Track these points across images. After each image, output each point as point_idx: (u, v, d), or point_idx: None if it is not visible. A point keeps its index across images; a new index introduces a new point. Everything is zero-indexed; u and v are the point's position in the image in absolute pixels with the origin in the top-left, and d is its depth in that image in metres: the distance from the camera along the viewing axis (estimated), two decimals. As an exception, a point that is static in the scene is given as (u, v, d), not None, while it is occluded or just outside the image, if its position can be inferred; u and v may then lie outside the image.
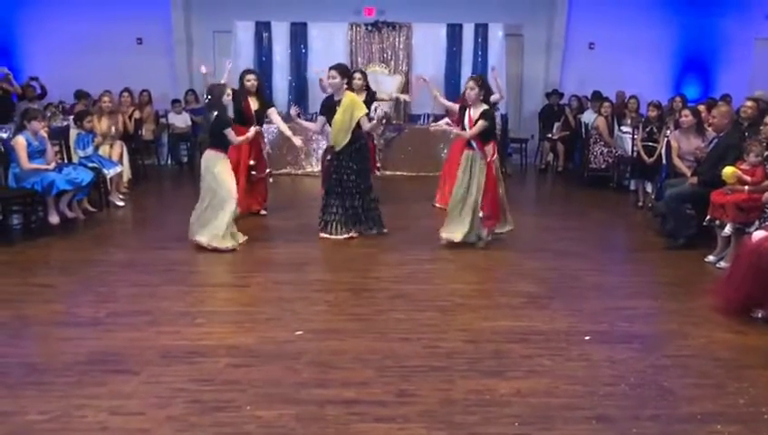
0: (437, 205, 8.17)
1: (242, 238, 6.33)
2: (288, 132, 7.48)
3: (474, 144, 6.21)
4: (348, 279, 5.39)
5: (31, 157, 6.65)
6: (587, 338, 4.24)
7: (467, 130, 6.23)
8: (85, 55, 11.89)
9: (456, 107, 7.64)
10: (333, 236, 6.59)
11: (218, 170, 6.14)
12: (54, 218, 6.78)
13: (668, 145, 7.37)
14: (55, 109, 10.03)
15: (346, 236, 6.59)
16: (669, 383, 3.63)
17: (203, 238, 6.09)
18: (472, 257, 6.04)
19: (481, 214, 6.16)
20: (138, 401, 3.36)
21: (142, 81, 11.70)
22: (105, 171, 7.97)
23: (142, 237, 6.91)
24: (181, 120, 11.60)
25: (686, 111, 7.20)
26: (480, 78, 6.46)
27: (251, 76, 7.47)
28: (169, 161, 11.92)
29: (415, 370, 3.74)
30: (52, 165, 6.80)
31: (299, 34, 11.93)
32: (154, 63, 12.37)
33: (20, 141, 6.59)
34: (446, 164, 8.47)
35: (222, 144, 6.24)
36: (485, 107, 6.21)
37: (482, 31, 11.84)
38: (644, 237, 7.00)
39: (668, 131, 8.41)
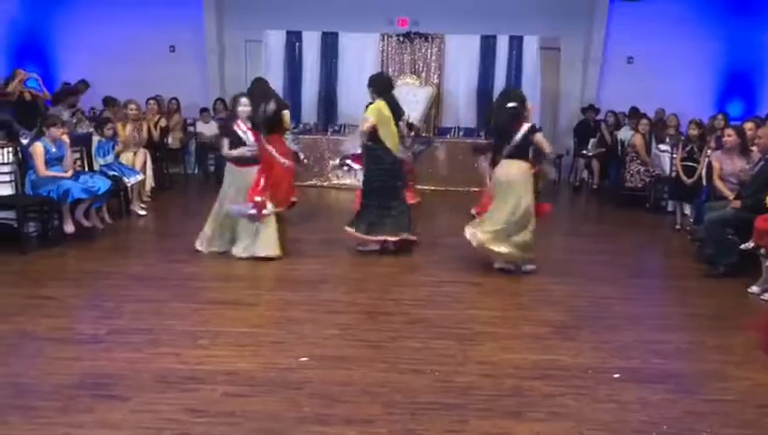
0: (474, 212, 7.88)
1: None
2: None
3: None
4: (363, 301, 5.12)
5: (48, 164, 6.54)
6: (616, 376, 3.89)
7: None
8: (118, 62, 11.86)
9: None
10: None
11: None
12: (70, 227, 6.64)
13: (709, 166, 6.95)
14: (82, 115, 9.99)
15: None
16: (708, 434, 3.27)
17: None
18: (497, 281, 5.72)
19: None
20: (124, 432, 3.13)
21: (174, 88, 11.66)
22: (125, 180, 7.85)
23: (159, 249, 6.74)
24: (209, 129, 11.48)
25: (730, 130, 6.79)
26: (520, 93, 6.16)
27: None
28: (196, 171, 11.81)
29: (426, 407, 3.45)
30: (70, 173, 6.68)
31: (330, 44, 11.75)
32: (186, 71, 12.35)
33: (37, 148, 6.48)
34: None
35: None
36: (529, 124, 5.89)
37: (516, 43, 11.50)
38: (681, 263, 6.59)
39: (709, 151, 8.01)
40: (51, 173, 6.51)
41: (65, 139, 6.77)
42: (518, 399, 3.57)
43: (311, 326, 4.52)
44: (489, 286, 5.60)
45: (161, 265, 5.95)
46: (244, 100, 6.25)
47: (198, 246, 6.30)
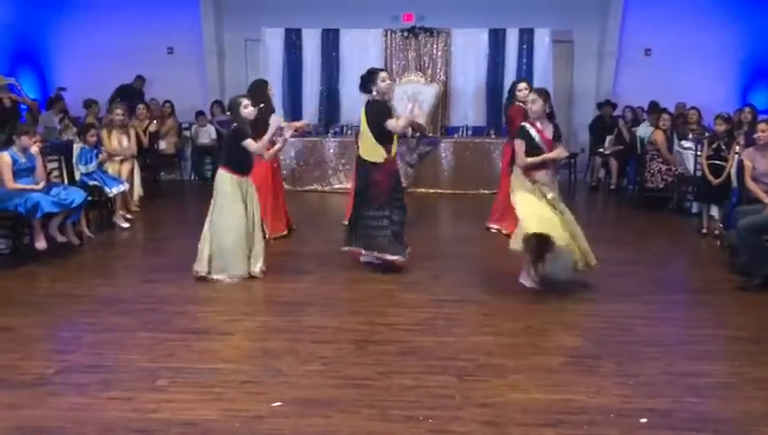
0: (493, 227, 7.30)
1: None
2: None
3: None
4: (352, 326, 4.54)
5: (17, 175, 6.05)
6: (643, 420, 3.29)
7: (545, 148, 5.22)
8: (114, 66, 11.50)
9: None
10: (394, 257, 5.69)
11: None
12: (41, 244, 6.11)
13: (740, 165, 6.30)
14: (69, 121, 9.50)
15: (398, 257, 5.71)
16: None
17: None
18: (505, 299, 5.11)
19: None
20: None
21: (172, 91, 11.29)
22: (107, 190, 7.33)
23: (137, 267, 6.18)
24: (205, 134, 10.97)
25: (763, 126, 6.09)
26: (545, 92, 5.49)
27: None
28: (193, 177, 11.30)
29: (415, 467, 2.88)
30: (41, 185, 6.17)
31: (331, 42, 11.22)
32: (185, 73, 11.97)
33: (4, 159, 5.99)
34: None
35: (235, 162, 5.54)
36: (553, 122, 5.33)
37: (527, 37, 10.93)
38: (711, 274, 5.93)
39: (737, 148, 7.36)
40: (19, 186, 6.02)
41: (35, 148, 6.26)
42: (526, 455, 2.99)
43: (289, 360, 3.95)
44: (496, 306, 4.98)
45: (134, 286, 5.42)
46: (245, 101, 5.66)
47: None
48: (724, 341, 4.42)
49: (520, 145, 5.21)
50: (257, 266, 5.59)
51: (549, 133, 5.25)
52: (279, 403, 3.41)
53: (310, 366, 3.88)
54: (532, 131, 5.19)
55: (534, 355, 4.06)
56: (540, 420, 3.28)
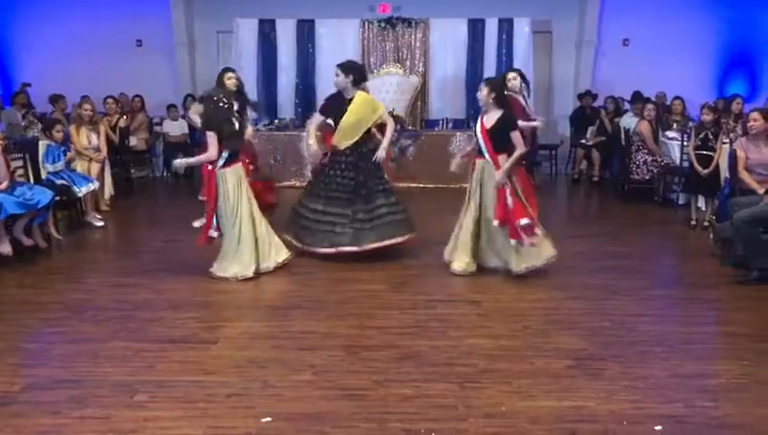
0: None
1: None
2: None
3: (486, 154, 5.26)
4: (343, 331, 4.28)
5: (-22, 175, 5.69)
6: (658, 428, 3.10)
7: (480, 138, 5.28)
8: (82, 59, 11.22)
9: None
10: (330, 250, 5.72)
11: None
12: (5, 248, 5.73)
13: (733, 155, 6.16)
14: (33, 117, 9.08)
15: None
16: None
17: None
18: (498, 298, 4.90)
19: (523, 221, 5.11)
20: None
21: (142, 85, 10.90)
22: (76, 189, 6.97)
23: (108, 270, 5.82)
24: (177, 128, 10.62)
25: (755, 115, 5.96)
26: (493, 81, 5.45)
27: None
28: (165, 173, 10.93)
29: (421, 489, 2.65)
30: (4, 184, 5.80)
31: (306, 33, 10.92)
32: (154, 66, 11.64)
33: (-37, 158, 5.63)
34: None
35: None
36: (502, 111, 5.20)
37: (506, 26, 10.74)
38: (705, 267, 5.78)
39: (725, 137, 7.25)
40: (-20, 186, 5.66)
41: (-3, 146, 5.90)
42: (540, 471, 2.78)
43: (278, 370, 3.69)
44: (490, 305, 4.77)
45: (107, 291, 5.09)
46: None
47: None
48: (728, 339, 4.26)
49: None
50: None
51: (490, 122, 5.23)
52: (269, 419, 3.16)
53: (299, 376, 3.63)
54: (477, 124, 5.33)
55: (536, 358, 3.85)
56: (550, 429, 3.07)
